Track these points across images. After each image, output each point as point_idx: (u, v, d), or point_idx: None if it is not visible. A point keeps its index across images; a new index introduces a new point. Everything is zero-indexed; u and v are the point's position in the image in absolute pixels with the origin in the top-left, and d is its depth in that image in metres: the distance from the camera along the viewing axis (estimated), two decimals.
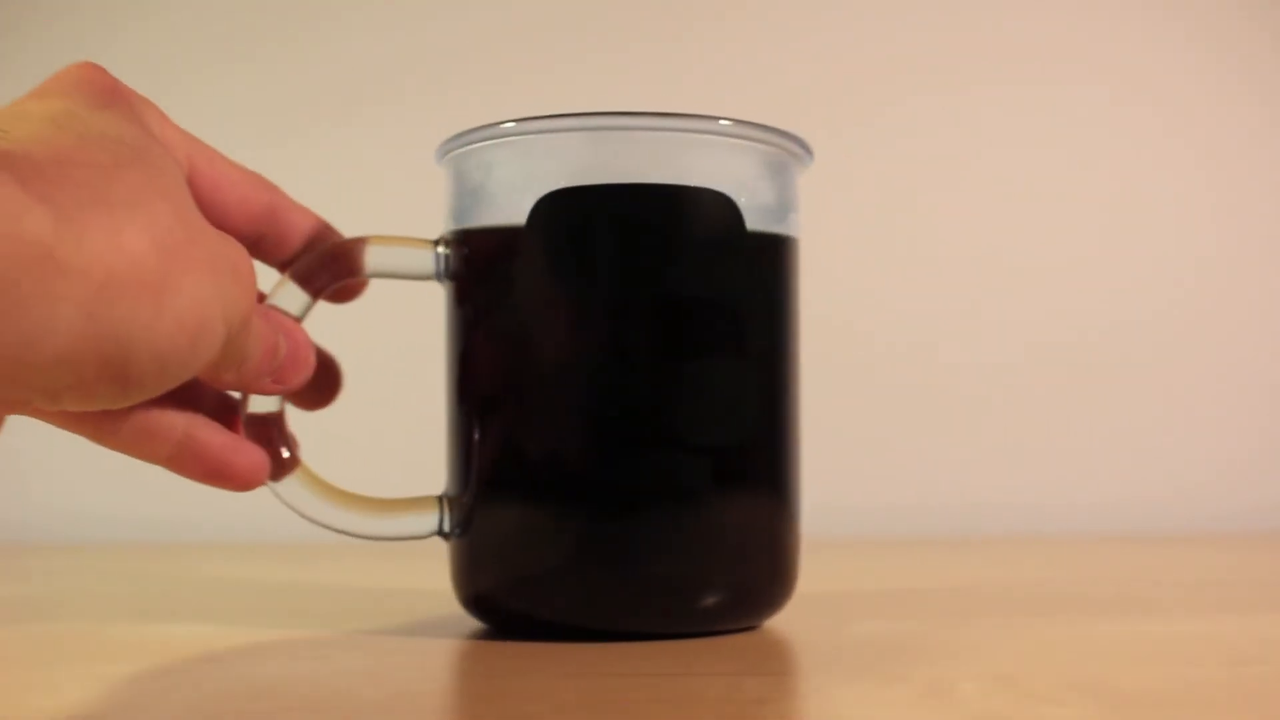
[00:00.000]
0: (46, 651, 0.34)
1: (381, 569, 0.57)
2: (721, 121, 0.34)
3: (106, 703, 0.27)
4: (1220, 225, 0.75)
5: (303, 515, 0.35)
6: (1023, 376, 0.75)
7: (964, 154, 0.75)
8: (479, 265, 0.35)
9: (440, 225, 0.37)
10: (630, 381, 0.33)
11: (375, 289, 0.36)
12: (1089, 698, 0.27)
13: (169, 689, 0.29)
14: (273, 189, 0.33)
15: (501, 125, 0.34)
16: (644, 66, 0.75)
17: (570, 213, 0.33)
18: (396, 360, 0.69)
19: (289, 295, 0.33)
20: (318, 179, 0.74)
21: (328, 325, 0.39)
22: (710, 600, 0.34)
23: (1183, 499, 0.73)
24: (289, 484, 0.34)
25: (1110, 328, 0.75)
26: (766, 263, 0.35)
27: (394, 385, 0.71)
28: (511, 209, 0.34)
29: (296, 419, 0.35)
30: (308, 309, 0.34)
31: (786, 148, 0.35)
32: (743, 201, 0.34)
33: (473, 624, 0.38)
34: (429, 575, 0.54)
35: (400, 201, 0.73)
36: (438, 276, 0.36)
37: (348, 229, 0.35)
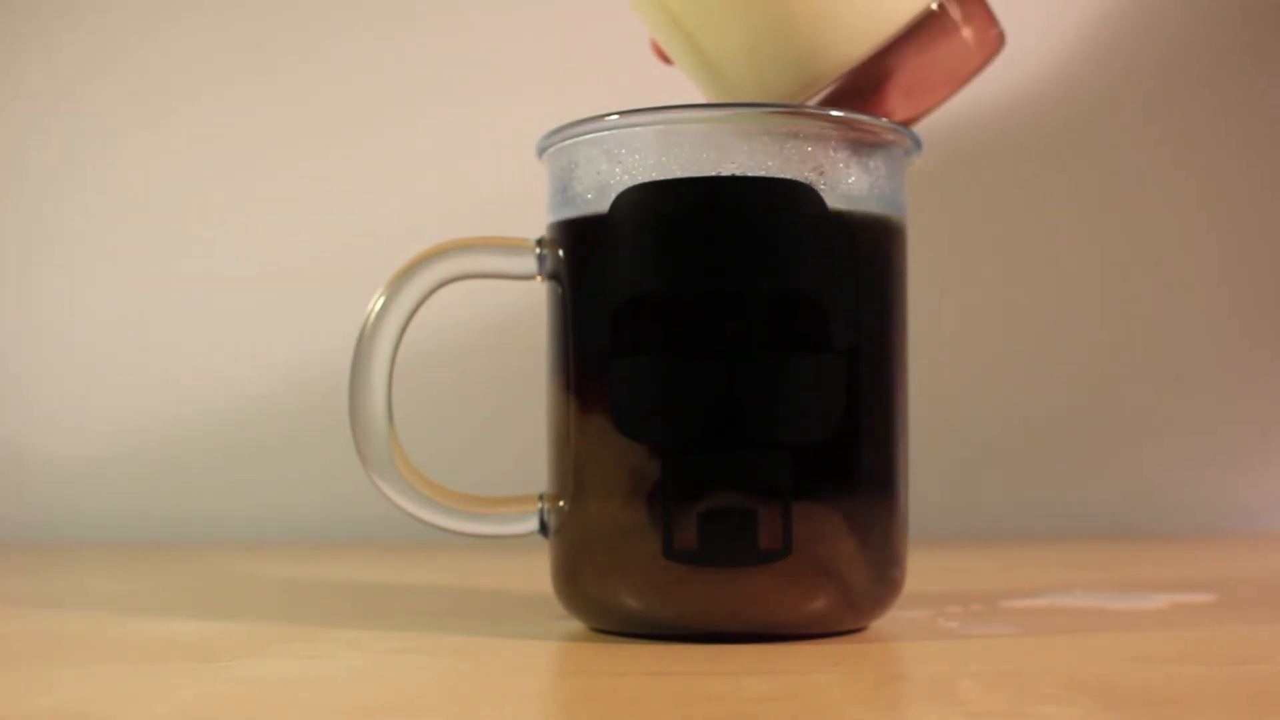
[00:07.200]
0: (45, 651, 0.34)
1: (380, 567, 0.57)
2: (808, 110, 0.34)
3: (106, 702, 0.27)
4: None
5: (404, 511, 0.36)
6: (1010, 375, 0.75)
7: None
8: (571, 263, 0.36)
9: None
10: (727, 377, 0.33)
11: (472, 290, 0.37)
12: (1089, 698, 0.27)
13: (169, 689, 0.29)
14: None
15: (598, 120, 0.34)
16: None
17: (653, 205, 0.34)
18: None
19: None
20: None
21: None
22: (813, 603, 0.34)
23: (1181, 497, 0.73)
24: (391, 481, 0.36)
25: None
26: (857, 250, 0.35)
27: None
28: (604, 205, 0.34)
29: (399, 420, 0.36)
30: None
31: (878, 133, 0.35)
32: (824, 188, 0.34)
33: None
34: (429, 572, 0.54)
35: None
36: (538, 276, 0.37)
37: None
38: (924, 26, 0.36)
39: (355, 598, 0.46)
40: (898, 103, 0.37)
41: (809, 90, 0.37)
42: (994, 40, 0.37)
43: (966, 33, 0.37)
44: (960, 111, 0.71)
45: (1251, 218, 0.75)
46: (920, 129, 0.38)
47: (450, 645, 0.34)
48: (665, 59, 0.41)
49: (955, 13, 0.36)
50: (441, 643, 0.34)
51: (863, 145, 0.35)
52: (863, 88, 0.37)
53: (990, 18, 0.37)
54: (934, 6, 0.36)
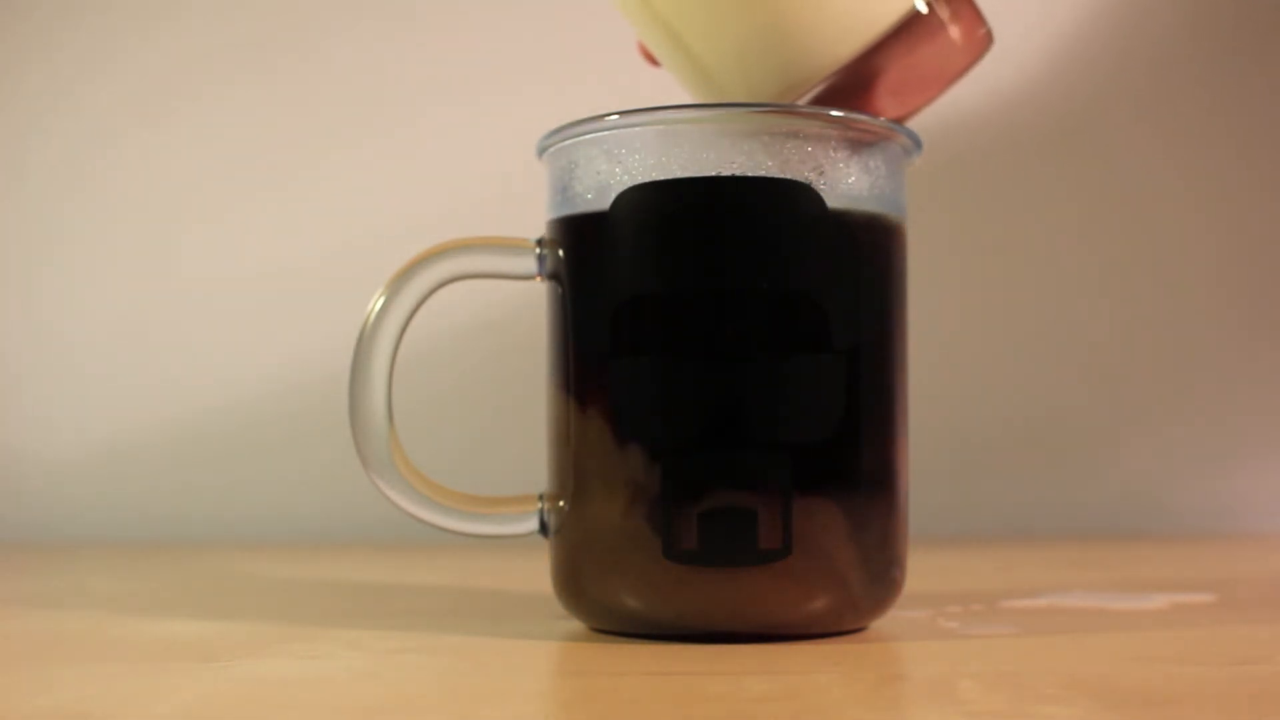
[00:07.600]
0: (45, 651, 0.34)
1: (380, 567, 0.57)
2: (808, 110, 0.34)
3: (106, 702, 0.27)
4: None
5: (404, 511, 0.36)
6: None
7: None
8: (571, 263, 0.36)
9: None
10: (727, 377, 0.33)
11: (472, 290, 0.37)
12: (1089, 698, 0.27)
13: (169, 689, 0.29)
14: None
15: (598, 120, 0.34)
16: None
17: (653, 205, 0.34)
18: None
19: None
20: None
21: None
22: (813, 603, 0.34)
23: (1181, 497, 0.73)
24: (391, 481, 0.36)
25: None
26: (857, 250, 0.35)
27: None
28: (604, 205, 0.34)
29: (399, 420, 0.36)
30: None
31: (878, 133, 0.35)
32: (824, 187, 0.34)
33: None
34: (429, 572, 0.54)
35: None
36: (538, 276, 0.37)
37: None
38: (911, 27, 0.36)
39: (355, 598, 0.46)
40: (886, 103, 0.37)
41: (797, 91, 0.37)
42: (982, 40, 0.37)
43: (954, 32, 0.37)
44: (960, 111, 0.72)
45: (1250, 216, 0.75)
46: (919, 129, 0.38)
47: (450, 645, 0.34)
48: (653, 61, 0.41)
49: (942, 12, 0.36)
50: (441, 643, 0.34)
51: (863, 145, 0.35)
52: (851, 88, 0.37)
53: (978, 17, 0.37)
54: (921, 7, 0.36)
